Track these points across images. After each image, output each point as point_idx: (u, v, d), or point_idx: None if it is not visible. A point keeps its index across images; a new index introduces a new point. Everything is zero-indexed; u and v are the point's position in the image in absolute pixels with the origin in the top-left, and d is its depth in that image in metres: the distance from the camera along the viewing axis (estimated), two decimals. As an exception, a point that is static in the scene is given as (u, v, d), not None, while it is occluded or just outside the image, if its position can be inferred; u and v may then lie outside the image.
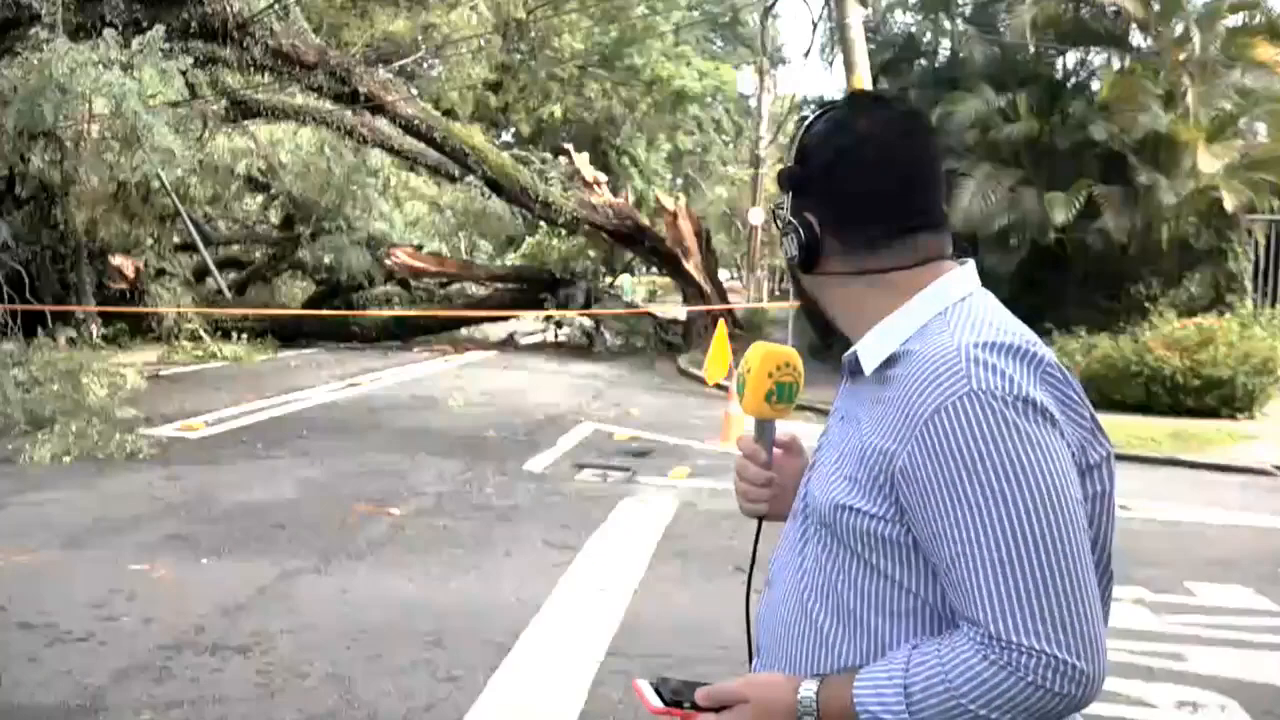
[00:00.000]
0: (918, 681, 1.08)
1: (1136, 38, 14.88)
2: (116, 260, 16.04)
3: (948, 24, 17.29)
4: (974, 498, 1.06)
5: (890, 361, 1.16)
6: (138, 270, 16.25)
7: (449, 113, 21.11)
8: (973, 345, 1.10)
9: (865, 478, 1.14)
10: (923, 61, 17.29)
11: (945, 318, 1.17)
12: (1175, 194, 12.54)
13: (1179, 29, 13.57)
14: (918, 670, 1.09)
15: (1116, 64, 14.96)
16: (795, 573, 1.25)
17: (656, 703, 1.23)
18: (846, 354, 1.24)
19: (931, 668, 1.08)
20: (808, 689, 1.15)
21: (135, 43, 12.79)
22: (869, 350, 1.19)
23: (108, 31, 12.74)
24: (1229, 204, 12.47)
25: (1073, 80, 15.55)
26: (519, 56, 28.13)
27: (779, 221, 1.30)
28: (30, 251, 14.49)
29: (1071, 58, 15.87)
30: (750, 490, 1.37)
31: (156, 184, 13.88)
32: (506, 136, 31.16)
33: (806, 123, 1.26)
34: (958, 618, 1.10)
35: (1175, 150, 12.87)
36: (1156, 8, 14.01)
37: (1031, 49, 14.99)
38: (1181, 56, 13.31)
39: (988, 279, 1.25)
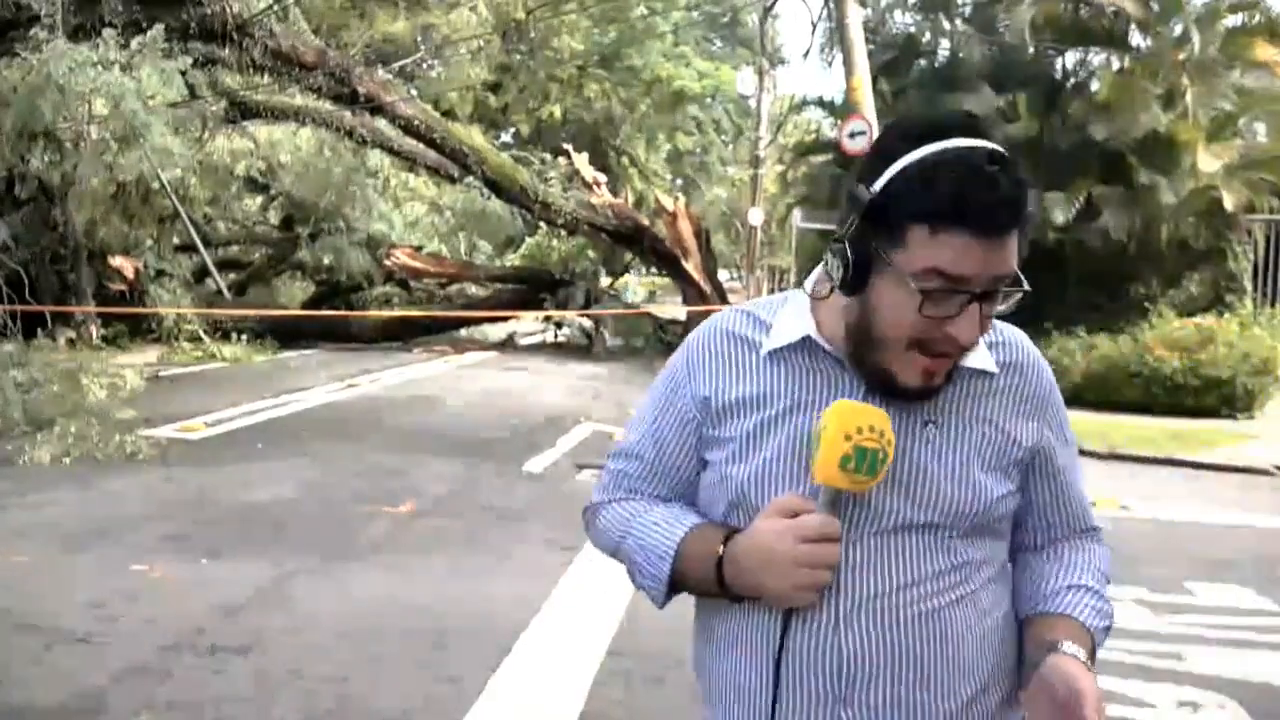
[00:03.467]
0: (1102, 582, 1.34)
1: (1136, 38, 14.90)
2: (116, 261, 16.02)
3: (948, 24, 17.29)
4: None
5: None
6: (137, 271, 16.23)
7: (449, 113, 21.12)
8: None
9: (1007, 463, 1.28)
10: (922, 61, 17.29)
11: None
12: (1175, 194, 12.56)
13: (1178, 29, 13.60)
14: (1097, 575, 1.34)
15: (1116, 64, 14.96)
16: (943, 585, 1.22)
17: None
18: (970, 365, 1.26)
19: (1095, 568, 1.35)
20: (1076, 652, 1.21)
21: (134, 43, 12.80)
22: (980, 356, 1.27)
23: (107, 32, 12.74)
24: (1229, 204, 12.49)
25: (1072, 80, 15.55)
26: (519, 57, 28.13)
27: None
28: (30, 252, 14.48)
29: (1071, 58, 15.89)
30: (823, 576, 1.17)
31: (156, 184, 13.88)
32: (506, 137, 31.15)
33: (1021, 177, 1.14)
34: (1072, 535, 1.36)
35: (1175, 150, 12.88)
36: (1156, 8, 14.04)
37: (1031, 49, 14.99)
38: (1181, 56, 13.33)
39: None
